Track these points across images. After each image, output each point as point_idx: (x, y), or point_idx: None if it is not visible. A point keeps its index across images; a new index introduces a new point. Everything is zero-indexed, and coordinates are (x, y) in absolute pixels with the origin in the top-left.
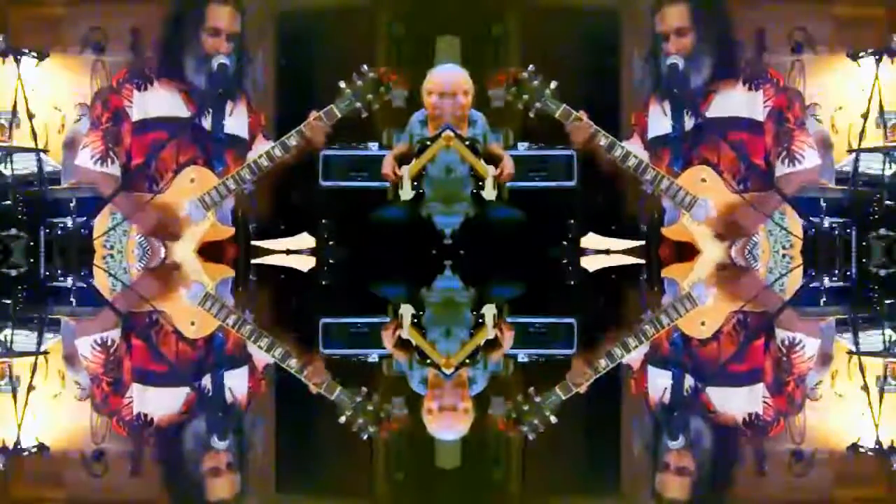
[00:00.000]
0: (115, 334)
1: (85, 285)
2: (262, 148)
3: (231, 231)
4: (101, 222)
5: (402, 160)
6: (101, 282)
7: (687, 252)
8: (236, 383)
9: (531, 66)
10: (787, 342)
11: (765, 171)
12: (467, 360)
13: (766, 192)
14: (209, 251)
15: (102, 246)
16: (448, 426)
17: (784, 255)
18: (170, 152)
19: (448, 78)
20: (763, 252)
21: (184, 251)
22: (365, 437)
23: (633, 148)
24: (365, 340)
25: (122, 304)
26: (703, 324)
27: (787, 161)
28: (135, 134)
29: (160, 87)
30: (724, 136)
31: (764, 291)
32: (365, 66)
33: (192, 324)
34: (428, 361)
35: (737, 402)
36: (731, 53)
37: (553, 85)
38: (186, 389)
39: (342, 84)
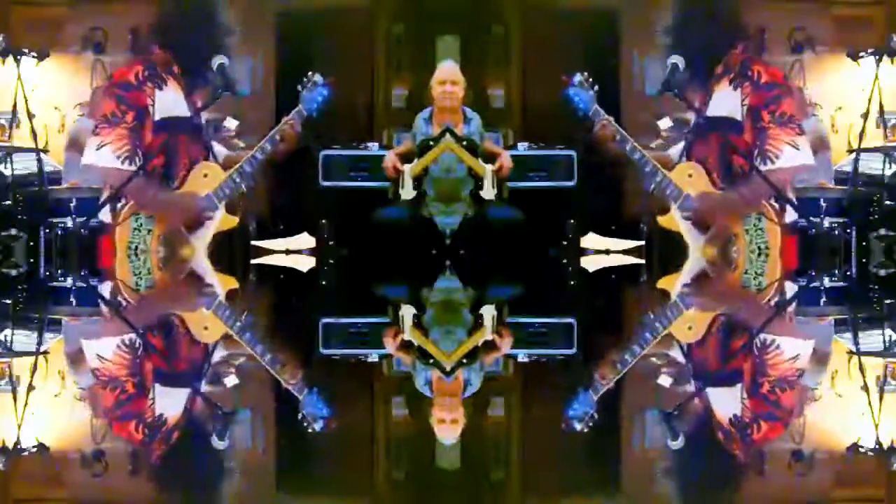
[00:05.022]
0: (133, 337)
1: (85, 285)
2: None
3: (235, 220)
4: (122, 227)
5: (405, 158)
6: (125, 278)
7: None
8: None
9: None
10: (760, 344)
11: (746, 169)
12: (465, 360)
13: (752, 184)
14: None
15: (127, 247)
16: (449, 434)
17: (760, 256)
18: (182, 150)
19: (448, 68)
20: (739, 252)
21: (202, 243)
22: (310, 430)
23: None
24: (365, 340)
25: (141, 310)
26: (689, 328)
27: (760, 159)
28: (155, 132)
29: (171, 87)
30: (714, 134)
31: (746, 295)
32: (310, 73)
33: (206, 328)
34: (430, 361)
35: (725, 403)
36: (719, 53)
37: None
38: (189, 391)
39: (299, 87)
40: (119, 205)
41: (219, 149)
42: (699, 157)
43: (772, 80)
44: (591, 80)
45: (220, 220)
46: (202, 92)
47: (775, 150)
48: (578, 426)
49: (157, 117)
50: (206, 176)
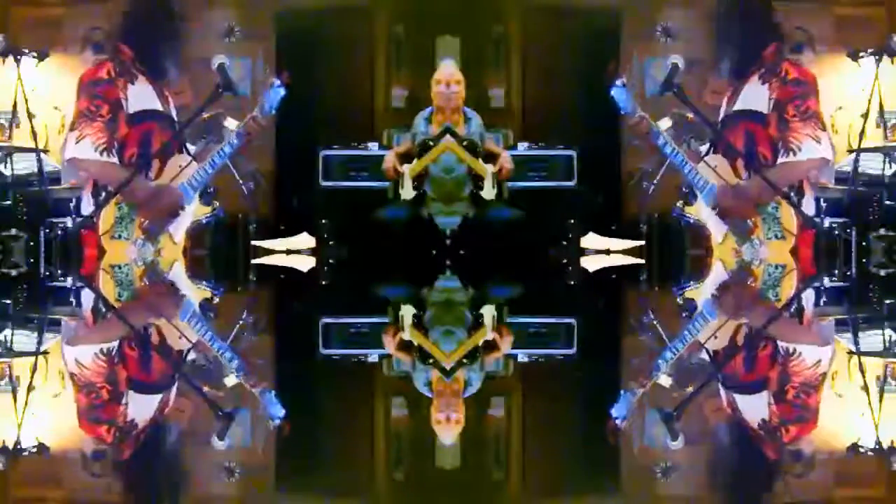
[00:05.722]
0: (116, 344)
1: (84, 285)
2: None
3: (208, 210)
4: (106, 216)
5: (404, 158)
6: (107, 288)
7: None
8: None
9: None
10: (784, 352)
11: (767, 160)
12: (465, 360)
13: (756, 179)
14: None
15: (111, 238)
16: (449, 434)
17: (776, 267)
18: (156, 141)
19: (448, 69)
20: (759, 242)
21: (179, 231)
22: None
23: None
24: (365, 340)
25: (127, 314)
26: (715, 336)
27: (783, 151)
28: (130, 124)
29: (143, 82)
30: (740, 126)
31: (762, 303)
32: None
33: (180, 337)
34: (430, 361)
35: (753, 408)
36: (749, 51)
37: None
38: (185, 392)
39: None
40: (101, 197)
41: (191, 143)
42: (726, 149)
43: (800, 78)
44: (632, 81)
45: (195, 209)
46: (180, 89)
47: (797, 142)
48: (623, 424)
49: (130, 111)
50: (181, 167)
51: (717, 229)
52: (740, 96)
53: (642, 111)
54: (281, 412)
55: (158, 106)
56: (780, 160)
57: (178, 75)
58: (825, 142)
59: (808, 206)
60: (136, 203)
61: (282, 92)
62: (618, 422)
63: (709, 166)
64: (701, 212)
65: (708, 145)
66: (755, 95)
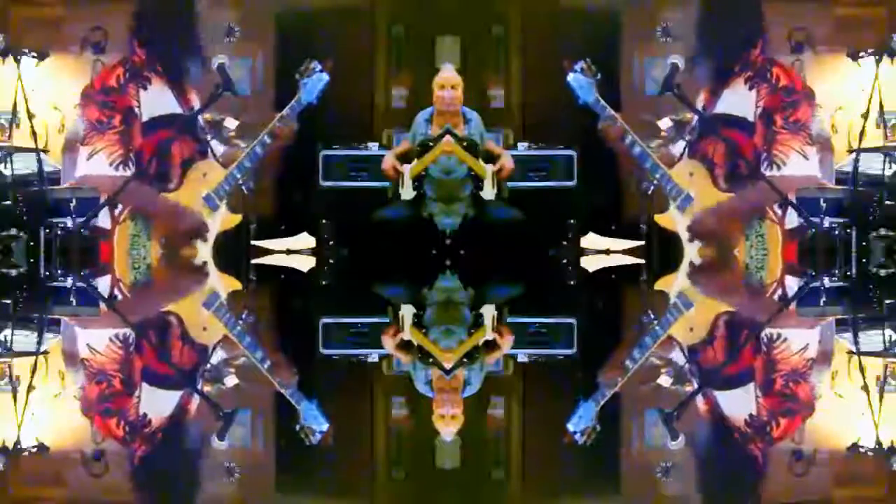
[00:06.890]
0: (128, 334)
1: (85, 285)
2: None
3: (239, 218)
4: (122, 232)
5: (404, 158)
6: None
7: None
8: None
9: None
10: (768, 338)
11: (752, 170)
12: (465, 360)
13: (750, 186)
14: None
15: (128, 253)
16: (449, 429)
17: (761, 250)
18: (175, 149)
19: (448, 72)
20: (739, 252)
21: (207, 245)
22: (307, 443)
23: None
24: (365, 340)
25: (136, 307)
26: (691, 329)
27: (768, 165)
28: (145, 134)
29: (157, 86)
30: (721, 132)
31: (747, 292)
32: (306, 60)
33: (205, 329)
34: (430, 360)
35: (738, 403)
36: (735, 52)
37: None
38: (187, 391)
39: (297, 76)
40: (117, 210)
41: (216, 145)
42: (703, 156)
43: (790, 85)
44: (593, 67)
45: (224, 218)
46: (197, 90)
47: (783, 156)
48: (581, 439)
49: (144, 118)
50: (205, 175)
51: (688, 243)
52: (721, 99)
53: (606, 105)
54: (324, 425)
55: (178, 108)
56: (771, 174)
57: (200, 74)
58: (813, 158)
59: (793, 218)
60: (152, 218)
61: (325, 78)
62: (576, 437)
63: (685, 173)
64: (673, 221)
65: (683, 148)
66: (740, 101)
